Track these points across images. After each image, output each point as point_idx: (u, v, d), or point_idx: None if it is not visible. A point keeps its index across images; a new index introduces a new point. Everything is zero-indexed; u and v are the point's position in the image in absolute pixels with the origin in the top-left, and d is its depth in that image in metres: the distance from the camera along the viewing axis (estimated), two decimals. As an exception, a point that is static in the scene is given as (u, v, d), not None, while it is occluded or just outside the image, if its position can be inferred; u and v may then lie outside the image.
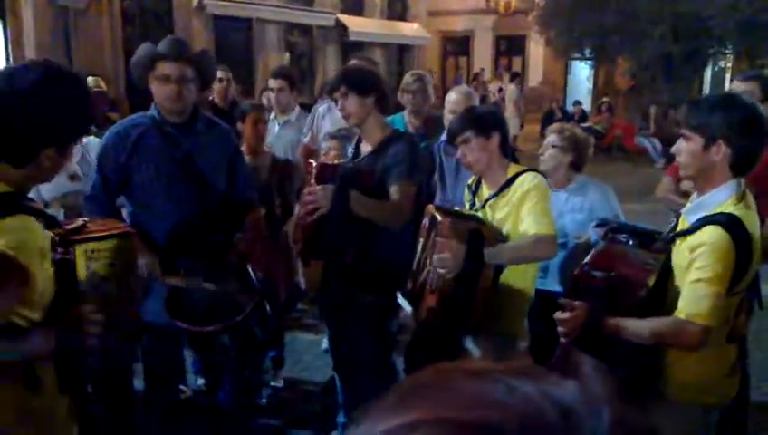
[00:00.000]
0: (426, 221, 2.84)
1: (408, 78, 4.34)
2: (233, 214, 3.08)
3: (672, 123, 14.79)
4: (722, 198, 2.19)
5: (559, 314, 2.29)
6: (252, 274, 2.89)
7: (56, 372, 1.86)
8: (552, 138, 3.46)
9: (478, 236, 2.62)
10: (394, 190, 2.96)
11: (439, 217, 2.70)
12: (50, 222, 1.81)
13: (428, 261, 2.74)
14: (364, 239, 3.00)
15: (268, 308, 2.88)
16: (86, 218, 2.11)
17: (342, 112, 3.11)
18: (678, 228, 2.36)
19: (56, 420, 1.91)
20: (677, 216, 2.45)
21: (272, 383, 4.20)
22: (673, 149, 2.33)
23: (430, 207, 2.88)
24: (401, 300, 3.01)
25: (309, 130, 4.89)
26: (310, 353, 4.69)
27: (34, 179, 1.90)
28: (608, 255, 2.34)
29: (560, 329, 2.29)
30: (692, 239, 2.17)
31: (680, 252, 2.25)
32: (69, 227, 2.00)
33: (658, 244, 2.38)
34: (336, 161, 3.25)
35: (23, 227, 1.68)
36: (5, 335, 1.67)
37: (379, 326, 3.24)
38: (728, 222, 2.12)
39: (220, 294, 2.80)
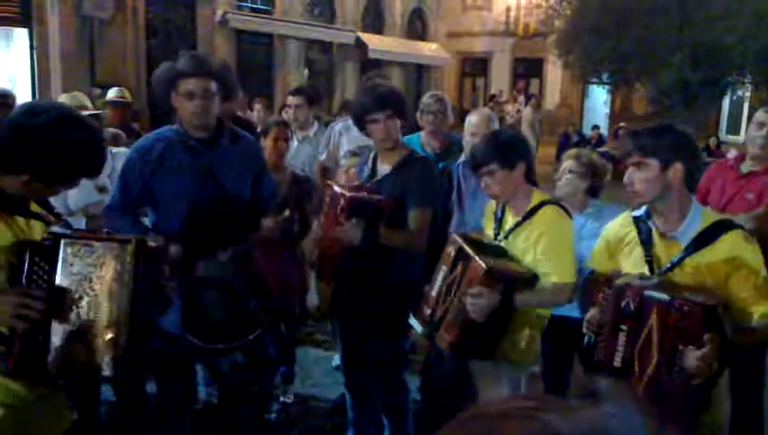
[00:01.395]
0: (451, 250, 2.78)
1: (427, 99, 4.35)
2: (253, 229, 3.11)
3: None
4: (701, 212, 2.36)
5: (699, 354, 2.06)
6: (268, 290, 2.91)
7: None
8: (568, 163, 3.46)
9: (512, 286, 2.63)
10: (411, 218, 3.01)
11: (470, 253, 2.66)
12: (35, 217, 2.02)
13: (452, 291, 2.72)
14: (379, 256, 3.03)
15: (282, 327, 2.89)
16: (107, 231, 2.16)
17: (379, 135, 3.08)
18: (662, 255, 2.36)
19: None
20: (646, 243, 2.41)
21: (282, 399, 4.21)
22: (625, 180, 2.36)
23: (457, 238, 2.81)
24: (412, 320, 3.02)
25: (325, 148, 4.92)
26: (320, 370, 4.69)
27: (14, 190, 2.01)
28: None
29: (696, 367, 2.07)
30: (716, 254, 2.24)
31: (695, 272, 2.28)
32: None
33: (660, 278, 2.35)
34: (357, 182, 3.28)
35: None
36: None
37: (390, 343, 3.25)
38: (736, 224, 2.32)
39: (237, 310, 2.81)
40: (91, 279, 2.03)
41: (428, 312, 2.83)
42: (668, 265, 2.32)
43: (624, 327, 2.25)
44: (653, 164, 2.28)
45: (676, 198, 2.32)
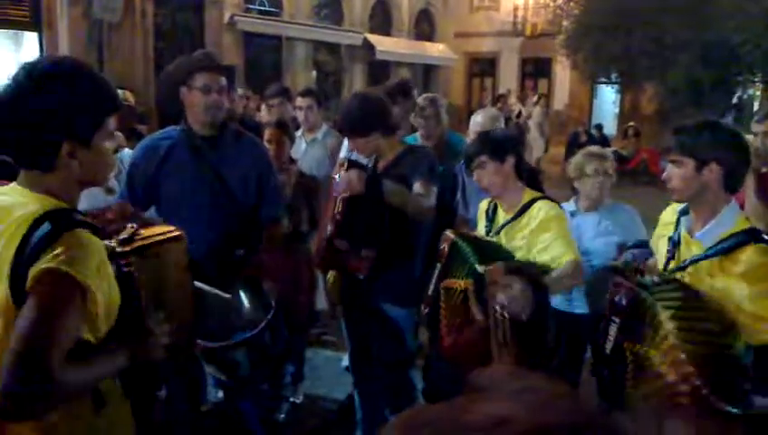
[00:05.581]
0: (446, 248, 2.70)
1: (420, 101, 4.32)
2: (257, 229, 3.10)
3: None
4: (733, 216, 2.25)
5: None
6: (266, 289, 2.88)
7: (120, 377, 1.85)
8: (597, 164, 3.42)
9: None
10: (417, 186, 3.02)
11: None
12: (97, 233, 1.72)
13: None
14: (382, 248, 3.03)
15: (284, 328, 2.86)
16: (134, 224, 2.05)
17: (357, 152, 3.23)
18: (685, 253, 2.31)
19: (119, 426, 1.90)
20: (674, 239, 2.38)
21: (291, 399, 4.21)
22: (664, 176, 2.34)
23: (450, 235, 2.72)
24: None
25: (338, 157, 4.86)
26: (329, 370, 4.69)
27: (72, 185, 1.75)
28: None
29: None
30: (735, 266, 2.14)
31: (708, 275, 2.21)
32: (122, 237, 1.92)
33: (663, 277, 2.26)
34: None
35: (77, 242, 1.60)
36: (78, 357, 1.58)
37: (396, 341, 3.25)
38: (764, 239, 2.17)
39: (234, 309, 2.80)
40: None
41: (426, 310, 2.79)
42: (681, 265, 2.29)
43: (616, 319, 2.22)
44: (688, 163, 2.23)
45: (712, 199, 2.24)
